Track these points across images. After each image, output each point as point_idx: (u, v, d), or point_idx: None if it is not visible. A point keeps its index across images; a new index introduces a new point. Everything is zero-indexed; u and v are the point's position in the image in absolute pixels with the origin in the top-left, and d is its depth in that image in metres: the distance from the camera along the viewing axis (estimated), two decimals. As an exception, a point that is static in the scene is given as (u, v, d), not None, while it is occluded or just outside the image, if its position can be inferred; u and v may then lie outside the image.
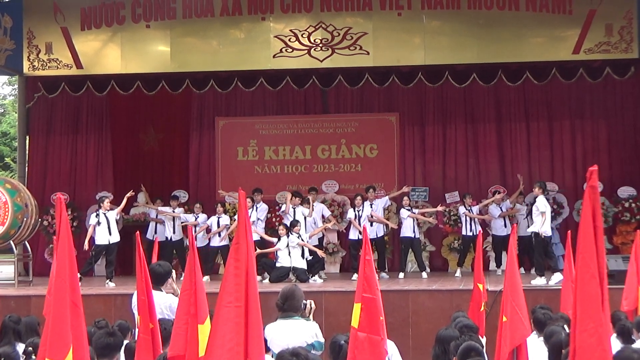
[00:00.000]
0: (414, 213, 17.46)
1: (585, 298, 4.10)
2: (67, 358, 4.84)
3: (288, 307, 7.52)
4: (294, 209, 17.21)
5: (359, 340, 6.39)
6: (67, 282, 5.00)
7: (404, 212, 17.43)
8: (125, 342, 7.71)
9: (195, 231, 17.38)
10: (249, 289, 4.72)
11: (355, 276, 14.80)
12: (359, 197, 17.32)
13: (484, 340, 9.32)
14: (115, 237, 16.60)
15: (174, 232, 18.17)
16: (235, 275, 4.73)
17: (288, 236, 16.39)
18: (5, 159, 37.53)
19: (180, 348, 5.80)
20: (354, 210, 17.25)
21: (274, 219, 19.05)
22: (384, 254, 17.62)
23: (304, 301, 7.74)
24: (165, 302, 8.56)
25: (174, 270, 8.95)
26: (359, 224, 16.75)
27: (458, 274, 17.34)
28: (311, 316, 7.86)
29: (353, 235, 17.19)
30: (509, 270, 7.36)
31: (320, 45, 18.01)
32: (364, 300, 6.48)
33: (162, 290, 8.80)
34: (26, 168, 20.40)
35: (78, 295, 5.11)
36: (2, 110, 42.61)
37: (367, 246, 6.67)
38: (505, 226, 17.68)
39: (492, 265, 18.14)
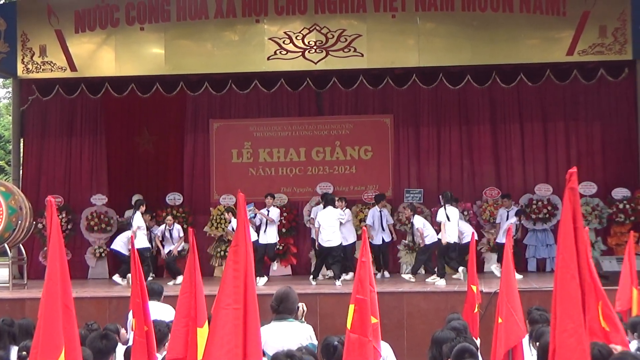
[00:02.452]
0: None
1: (565, 298, 4.12)
2: None
3: (283, 309, 7.53)
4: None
5: (351, 341, 6.42)
6: (59, 284, 4.98)
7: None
8: (125, 346, 7.73)
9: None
10: (248, 291, 4.73)
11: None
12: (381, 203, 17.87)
13: (477, 342, 9.34)
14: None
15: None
16: (234, 277, 4.73)
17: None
18: (0, 162, 37.46)
19: (178, 351, 5.80)
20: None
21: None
22: (387, 256, 18.05)
23: (298, 304, 7.74)
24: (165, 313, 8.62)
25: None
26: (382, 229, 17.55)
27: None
28: (303, 319, 7.87)
29: (377, 240, 17.56)
30: (504, 272, 7.37)
31: (315, 47, 18.02)
32: (357, 302, 6.50)
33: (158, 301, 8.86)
34: (20, 171, 20.39)
35: (70, 298, 5.09)
36: (-4, 113, 42.53)
37: (366, 248, 6.68)
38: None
39: (487, 267, 18.19)
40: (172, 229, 17.94)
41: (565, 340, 4.08)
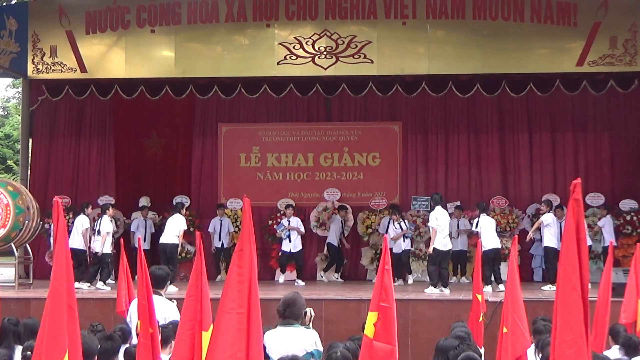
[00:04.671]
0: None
1: (565, 309, 4.11)
2: None
3: (289, 314, 7.50)
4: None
5: (374, 349, 6.40)
6: (64, 285, 4.98)
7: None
8: (125, 346, 7.72)
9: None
10: (252, 296, 4.73)
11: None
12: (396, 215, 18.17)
13: (482, 351, 9.32)
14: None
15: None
16: (238, 282, 4.73)
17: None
18: (8, 161, 37.54)
19: (183, 354, 5.80)
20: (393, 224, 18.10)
21: (275, 226, 19.15)
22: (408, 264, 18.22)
23: (305, 309, 7.71)
24: (163, 308, 8.59)
25: None
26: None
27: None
28: (311, 324, 7.84)
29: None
30: (509, 282, 7.34)
31: (325, 53, 18.03)
32: (381, 310, 6.50)
33: (162, 295, 8.81)
34: (29, 171, 20.42)
35: (73, 299, 5.09)
36: (6, 113, 42.68)
37: (387, 256, 6.68)
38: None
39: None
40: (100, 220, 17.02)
41: (565, 351, 4.08)
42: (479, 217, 16.68)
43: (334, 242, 18.94)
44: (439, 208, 15.96)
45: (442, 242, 15.78)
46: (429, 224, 16.30)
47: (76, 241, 16.56)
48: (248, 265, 4.72)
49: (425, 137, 20.10)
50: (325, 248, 19.21)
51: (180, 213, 17.13)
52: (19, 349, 7.80)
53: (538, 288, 16.39)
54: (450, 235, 16.60)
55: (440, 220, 15.79)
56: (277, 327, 7.52)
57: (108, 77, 18.98)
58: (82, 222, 16.96)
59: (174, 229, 16.83)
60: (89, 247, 17.01)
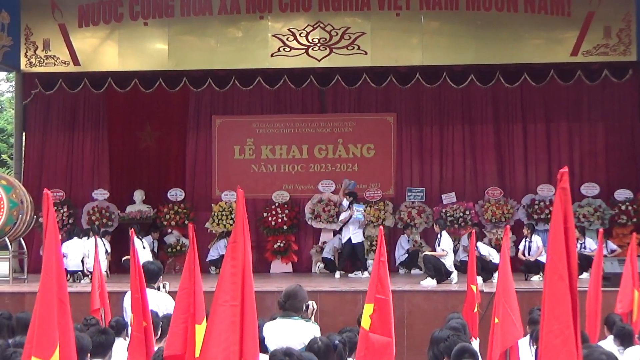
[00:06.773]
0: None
1: (552, 299, 4.08)
2: (54, 356, 4.78)
3: (289, 306, 7.46)
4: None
5: (370, 341, 6.38)
6: (54, 278, 4.93)
7: None
8: (119, 339, 7.71)
9: None
10: (245, 288, 4.70)
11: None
12: None
13: (477, 342, 9.31)
14: None
15: None
16: (231, 274, 4.70)
17: None
18: (2, 155, 37.45)
19: (177, 347, 5.76)
20: None
21: (269, 218, 19.13)
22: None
23: (307, 302, 7.65)
24: (161, 301, 8.58)
25: None
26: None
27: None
28: (313, 317, 7.75)
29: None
30: (501, 272, 7.31)
31: (318, 44, 18.00)
32: (376, 302, 6.47)
33: (155, 288, 8.79)
34: (22, 164, 20.35)
35: (65, 293, 5.04)
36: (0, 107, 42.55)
37: (382, 248, 6.64)
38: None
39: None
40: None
41: (551, 341, 4.04)
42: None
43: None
44: (444, 233, 16.09)
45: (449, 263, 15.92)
46: (438, 247, 16.06)
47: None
48: (241, 257, 4.69)
49: (420, 128, 20.07)
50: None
51: None
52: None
53: (535, 278, 16.37)
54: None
55: (446, 245, 15.93)
56: (276, 319, 7.49)
57: (101, 70, 18.94)
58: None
59: None
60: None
